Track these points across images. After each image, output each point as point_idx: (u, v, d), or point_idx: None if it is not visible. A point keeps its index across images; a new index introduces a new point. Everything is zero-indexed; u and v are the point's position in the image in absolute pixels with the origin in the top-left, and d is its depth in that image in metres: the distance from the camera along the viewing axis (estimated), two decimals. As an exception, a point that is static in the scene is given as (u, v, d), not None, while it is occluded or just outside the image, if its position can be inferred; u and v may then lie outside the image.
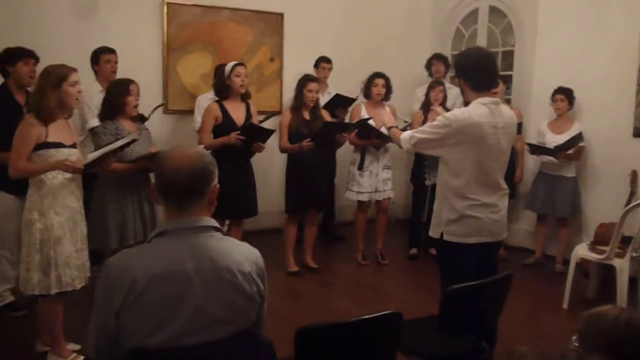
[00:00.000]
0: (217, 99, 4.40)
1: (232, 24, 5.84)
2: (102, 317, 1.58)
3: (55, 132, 3.01)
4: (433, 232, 2.98)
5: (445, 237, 2.89)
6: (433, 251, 5.42)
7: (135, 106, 3.55)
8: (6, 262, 3.84)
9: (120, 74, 4.42)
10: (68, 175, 3.05)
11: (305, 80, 4.73)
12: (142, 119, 3.95)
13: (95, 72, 4.59)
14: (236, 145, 4.17)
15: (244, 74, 4.34)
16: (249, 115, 4.40)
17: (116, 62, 4.58)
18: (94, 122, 4.32)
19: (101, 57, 4.53)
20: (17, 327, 3.67)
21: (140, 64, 5.25)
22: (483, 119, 2.75)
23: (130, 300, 1.53)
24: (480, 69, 2.79)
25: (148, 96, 5.17)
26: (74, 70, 3.06)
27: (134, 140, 3.28)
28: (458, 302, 2.27)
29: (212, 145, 4.15)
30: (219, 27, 5.76)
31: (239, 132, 4.17)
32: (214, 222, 1.69)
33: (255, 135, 4.26)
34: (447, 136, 2.77)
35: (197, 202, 1.66)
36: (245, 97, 4.43)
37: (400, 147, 3.07)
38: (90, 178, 3.82)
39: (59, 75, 2.97)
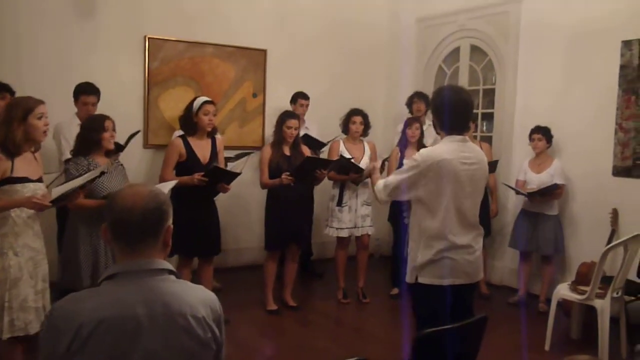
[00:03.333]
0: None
1: (216, 59, 5.85)
2: None
3: (22, 166, 2.92)
4: (408, 278, 2.92)
5: (420, 280, 2.84)
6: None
7: (111, 141, 3.50)
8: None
9: (101, 107, 4.40)
10: (31, 212, 2.96)
11: (285, 116, 4.72)
12: (119, 148, 3.89)
13: (77, 108, 4.56)
14: (199, 186, 4.05)
15: (213, 112, 4.20)
16: (214, 152, 4.27)
17: (95, 105, 4.51)
18: (69, 154, 4.28)
19: (80, 97, 4.49)
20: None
21: (122, 97, 5.25)
22: (452, 156, 2.75)
23: (75, 346, 1.45)
24: (453, 113, 2.79)
25: (129, 129, 5.16)
26: (41, 102, 2.99)
27: (102, 174, 3.20)
28: (429, 347, 2.19)
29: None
30: (201, 63, 5.77)
31: (202, 173, 4.04)
32: (167, 265, 1.62)
33: (219, 177, 4.14)
34: (419, 176, 2.76)
35: (151, 243, 1.60)
36: (211, 134, 4.30)
37: (377, 198, 3.04)
38: (64, 212, 3.74)
39: (25, 108, 2.90)
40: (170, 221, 1.65)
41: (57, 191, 3.02)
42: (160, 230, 1.61)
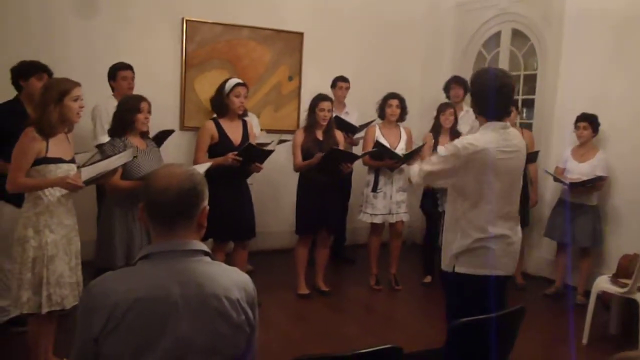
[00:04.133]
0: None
1: (252, 42, 5.83)
2: (82, 342, 1.51)
3: (55, 147, 2.96)
4: (445, 265, 2.87)
5: (457, 269, 2.78)
6: (449, 278, 5.28)
7: (145, 123, 3.51)
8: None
9: (137, 90, 4.42)
10: (65, 191, 3.00)
11: (318, 99, 4.67)
12: (157, 141, 3.90)
13: (113, 88, 4.60)
14: (233, 166, 4.03)
15: (244, 94, 4.19)
16: (245, 134, 4.25)
17: (133, 79, 4.59)
18: (104, 138, 4.32)
19: (118, 73, 4.54)
20: (19, 343, 3.61)
21: (158, 80, 5.28)
22: (491, 145, 2.66)
23: (110, 326, 1.46)
24: (494, 98, 2.69)
25: (165, 112, 5.22)
26: (77, 84, 3.01)
27: (134, 158, 3.22)
28: (465, 337, 2.14)
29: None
30: (238, 46, 5.76)
31: (236, 152, 4.03)
32: (202, 246, 1.61)
33: (253, 156, 4.11)
34: (456, 166, 2.70)
35: (185, 224, 1.59)
36: (242, 116, 4.29)
37: (410, 182, 3.01)
38: (102, 194, 3.79)
39: (61, 90, 2.93)
40: (206, 202, 1.64)
41: (89, 172, 3.04)
42: (195, 211, 1.60)
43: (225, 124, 4.20)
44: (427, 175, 2.83)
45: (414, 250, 6.30)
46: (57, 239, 2.97)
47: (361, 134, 5.46)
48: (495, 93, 2.66)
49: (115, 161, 3.18)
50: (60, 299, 2.97)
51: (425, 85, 6.69)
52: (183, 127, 5.56)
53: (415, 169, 2.89)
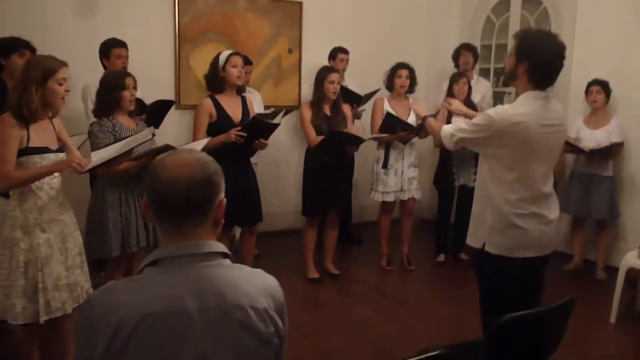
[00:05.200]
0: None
1: (249, 14, 5.50)
2: None
3: (38, 135, 2.59)
4: (473, 241, 2.63)
5: (487, 248, 2.54)
6: (463, 256, 5.08)
7: (131, 101, 3.22)
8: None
9: (131, 68, 4.13)
10: (54, 183, 2.67)
11: (325, 71, 4.38)
12: (143, 108, 3.61)
13: (105, 67, 4.29)
14: (236, 143, 3.72)
15: (241, 64, 3.87)
16: (246, 111, 3.94)
17: (127, 57, 4.27)
18: None
19: (112, 51, 4.21)
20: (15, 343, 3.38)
21: (151, 56, 4.98)
22: (531, 118, 2.39)
23: (115, 346, 1.22)
24: (548, 65, 2.41)
25: (160, 91, 4.92)
26: (64, 64, 2.62)
27: (153, 135, 2.96)
28: (512, 333, 1.91)
29: (209, 145, 3.54)
30: (234, 18, 5.43)
31: (239, 128, 3.73)
32: (220, 247, 1.36)
33: (258, 131, 3.80)
34: (491, 137, 2.45)
35: (199, 221, 1.33)
36: (241, 91, 3.98)
37: (437, 140, 2.77)
38: (93, 177, 3.52)
39: (45, 70, 2.53)
40: (222, 194, 1.38)
41: (100, 156, 2.75)
42: (210, 205, 1.34)
43: (223, 100, 3.88)
44: (459, 141, 2.59)
45: (422, 227, 6.08)
46: (50, 238, 2.63)
47: (365, 105, 5.20)
48: (545, 58, 2.39)
49: (130, 142, 2.87)
50: (61, 303, 2.65)
51: (429, 54, 6.39)
52: (179, 106, 5.26)
53: (447, 132, 2.64)
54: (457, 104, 3.39)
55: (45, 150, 2.60)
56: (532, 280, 2.55)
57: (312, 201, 4.48)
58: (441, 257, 5.08)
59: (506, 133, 2.40)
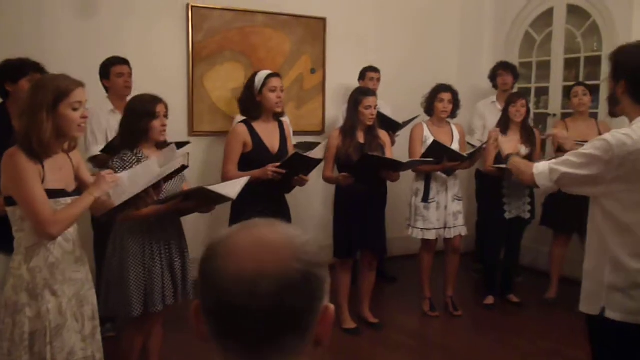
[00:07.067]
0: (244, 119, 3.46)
1: (268, 30, 5.01)
2: None
3: (54, 173, 2.10)
4: (588, 306, 2.11)
5: (609, 315, 2.01)
6: (513, 298, 4.51)
7: (162, 132, 2.73)
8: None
9: (138, 90, 3.59)
10: (70, 234, 2.18)
11: (360, 94, 3.86)
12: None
13: (106, 89, 3.81)
14: (274, 180, 3.23)
15: (280, 87, 3.37)
16: (283, 139, 3.46)
17: (130, 75, 3.80)
18: (96, 150, 3.57)
19: (112, 70, 3.74)
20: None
21: (160, 77, 4.44)
22: None
23: None
24: None
25: (171, 116, 4.32)
26: (79, 84, 2.12)
27: (183, 167, 2.43)
28: None
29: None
30: (252, 34, 4.93)
31: (277, 164, 3.22)
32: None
33: (298, 167, 3.30)
34: (606, 169, 1.95)
35: (292, 345, 0.79)
36: (277, 116, 3.48)
37: (527, 183, 2.33)
38: (105, 222, 2.96)
39: (57, 91, 2.04)
40: (327, 298, 0.83)
41: (125, 193, 2.22)
42: (311, 318, 0.80)
43: (259, 127, 3.37)
44: (562, 177, 2.08)
45: (462, 263, 5.49)
46: (63, 302, 2.13)
47: (404, 132, 4.68)
48: None
49: (162, 172, 2.38)
50: None
51: (462, 73, 5.87)
52: (192, 133, 4.73)
53: (543, 169, 2.16)
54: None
55: (61, 193, 2.11)
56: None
57: (344, 239, 3.92)
58: (489, 300, 4.49)
59: (627, 162, 1.92)
